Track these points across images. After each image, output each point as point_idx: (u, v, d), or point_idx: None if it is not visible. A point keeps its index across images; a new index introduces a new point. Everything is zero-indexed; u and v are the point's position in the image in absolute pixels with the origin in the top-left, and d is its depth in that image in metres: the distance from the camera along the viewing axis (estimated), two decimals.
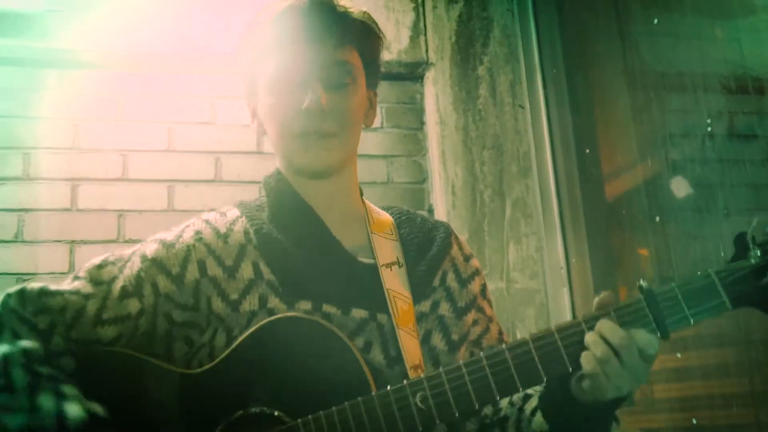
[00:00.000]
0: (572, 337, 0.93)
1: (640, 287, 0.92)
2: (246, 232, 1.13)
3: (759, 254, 0.88)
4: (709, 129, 1.94)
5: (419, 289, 1.13)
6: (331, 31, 1.12)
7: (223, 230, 1.15)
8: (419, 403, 0.93)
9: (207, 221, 1.17)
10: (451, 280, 1.18)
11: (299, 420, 0.97)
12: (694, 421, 1.90)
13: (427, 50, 2.77)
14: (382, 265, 1.11)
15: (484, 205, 2.62)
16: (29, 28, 2.45)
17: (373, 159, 2.68)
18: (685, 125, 2.15)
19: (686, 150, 2.12)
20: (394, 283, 1.10)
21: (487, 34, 2.85)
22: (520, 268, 2.57)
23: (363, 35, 1.17)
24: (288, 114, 1.13)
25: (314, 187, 1.18)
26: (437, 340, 1.10)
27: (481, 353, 0.95)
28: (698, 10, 2.14)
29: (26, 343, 0.99)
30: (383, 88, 2.75)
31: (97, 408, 0.97)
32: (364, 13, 1.18)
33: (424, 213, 1.34)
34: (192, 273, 1.10)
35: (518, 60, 2.81)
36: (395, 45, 2.76)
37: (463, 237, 2.56)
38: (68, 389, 0.97)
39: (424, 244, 1.18)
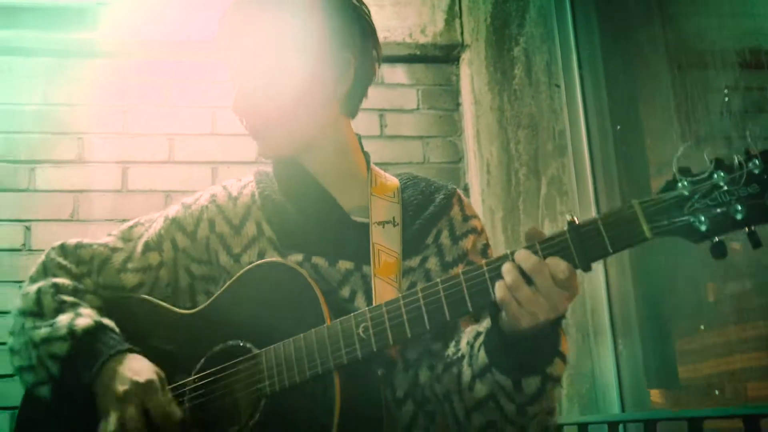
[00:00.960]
0: (497, 270, 0.95)
1: (567, 221, 0.94)
2: (252, 195, 1.25)
3: (686, 184, 0.89)
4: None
5: (411, 245, 1.19)
6: (239, 32, 1.19)
7: (234, 193, 1.27)
8: (361, 333, 1.01)
9: (224, 186, 1.30)
10: (444, 238, 1.22)
11: (263, 350, 1.08)
12: None
13: (462, 32, 2.82)
14: (374, 223, 1.18)
15: (519, 183, 2.65)
16: (80, 21, 2.58)
17: (410, 140, 2.74)
18: (722, 102, 2.15)
19: (721, 126, 2.12)
20: (383, 239, 1.16)
21: (523, 15, 2.87)
22: None
23: (300, 12, 1.18)
24: None
25: (307, 156, 1.26)
26: None
27: (418, 287, 1.01)
28: None
29: (57, 279, 1.18)
30: (419, 70, 2.80)
31: (107, 321, 1.13)
32: (268, 6, 1.20)
33: (434, 179, 1.37)
34: (203, 230, 1.23)
35: (554, 40, 2.83)
36: (431, 28, 2.81)
37: (498, 215, 2.61)
38: (85, 310, 1.14)
39: (422, 205, 1.24)
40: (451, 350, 1.12)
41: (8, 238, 2.44)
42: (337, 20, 1.21)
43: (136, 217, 2.50)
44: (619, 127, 2.53)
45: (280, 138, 1.23)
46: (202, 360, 1.14)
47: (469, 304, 0.97)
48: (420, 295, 0.99)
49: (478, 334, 1.07)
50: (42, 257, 1.25)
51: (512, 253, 0.95)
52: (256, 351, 1.09)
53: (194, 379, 1.13)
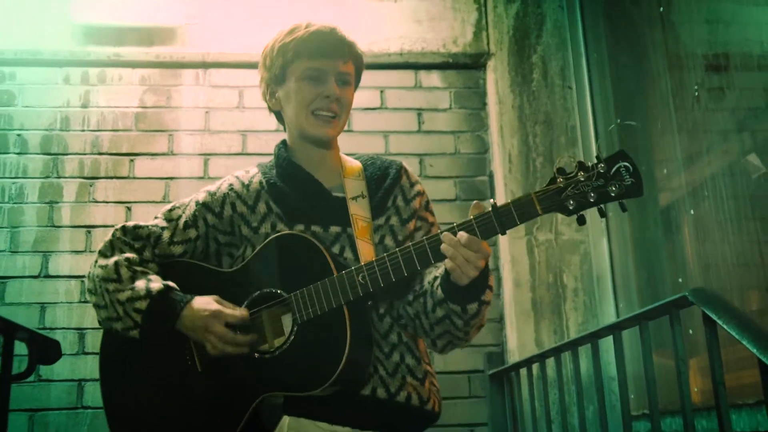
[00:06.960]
0: (438, 242, 1.41)
1: (491, 204, 1.39)
2: (260, 182, 1.66)
3: (562, 180, 1.34)
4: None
5: (377, 210, 1.63)
6: (341, 49, 1.65)
7: (246, 182, 1.68)
8: (360, 280, 1.47)
9: (237, 177, 1.70)
10: (399, 201, 1.66)
11: (291, 294, 1.51)
12: None
13: (488, 43, 3.29)
14: (350, 198, 1.62)
15: (536, 171, 3.12)
16: (172, 37, 3.14)
17: (443, 134, 3.23)
18: (719, 100, 2.52)
19: (717, 122, 2.49)
20: (358, 210, 1.61)
21: (541, 28, 3.34)
22: (568, 222, 3.05)
23: (355, 55, 1.69)
24: (310, 98, 1.63)
25: (310, 150, 1.68)
26: (389, 241, 1.61)
27: (397, 248, 1.46)
28: None
29: (128, 254, 1.60)
30: (451, 75, 3.29)
31: (172, 283, 1.57)
32: (354, 42, 1.68)
33: (382, 156, 1.81)
34: (227, 211, 1.64)
35: (567, 48, 3.29)
36: (461, 39, 3.29)
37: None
38: (153, 276, 1.58)
39: (381, 179, 1.68)
40: (417, 286, 1.60)
41: (114, 217, 3.00)
42: (361, 64, 1.72)
43: None
44: (618, 121, 2.96)
45: (342, 123, 1.70)
46: (245, 303, 1.56)
47: (431, 259, 1.45)
48: (399, 254, 1.46)
49: (435, 278, 1.55)
50: (108, 236, 1.64)
51: (457, 226, 1.42)
52: (285, 294, 1.52)
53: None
